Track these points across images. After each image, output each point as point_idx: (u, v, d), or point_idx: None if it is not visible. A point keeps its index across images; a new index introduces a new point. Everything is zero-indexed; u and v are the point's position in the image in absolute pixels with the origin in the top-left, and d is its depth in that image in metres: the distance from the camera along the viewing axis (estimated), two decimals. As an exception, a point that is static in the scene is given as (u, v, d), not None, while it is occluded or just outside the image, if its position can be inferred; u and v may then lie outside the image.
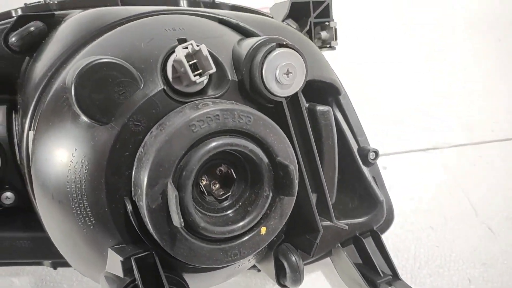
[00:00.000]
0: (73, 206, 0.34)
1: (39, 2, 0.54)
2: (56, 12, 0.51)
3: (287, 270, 0.41)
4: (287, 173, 0.34)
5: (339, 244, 0.51)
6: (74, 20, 0.47)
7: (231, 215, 0.35)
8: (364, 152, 0.53)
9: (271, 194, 0.35)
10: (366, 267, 0.50)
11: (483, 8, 0.82)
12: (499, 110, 0.73)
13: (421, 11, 0.77)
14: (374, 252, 0.50)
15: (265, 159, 0.34)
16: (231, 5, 0.57)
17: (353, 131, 0.54)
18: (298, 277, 0.40)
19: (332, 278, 0.56)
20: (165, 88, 0.34)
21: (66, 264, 0.56)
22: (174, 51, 0.35)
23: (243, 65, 0.36)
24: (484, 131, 0.69)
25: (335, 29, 0.56)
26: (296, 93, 0.37)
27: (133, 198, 0.33)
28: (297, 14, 0.56)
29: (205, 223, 0.33)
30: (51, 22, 0.50)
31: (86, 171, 0.33)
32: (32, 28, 0.48)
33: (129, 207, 0.33)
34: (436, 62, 0.76)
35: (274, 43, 0.36)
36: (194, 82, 0.35)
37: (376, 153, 0.53)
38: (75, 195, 0.34)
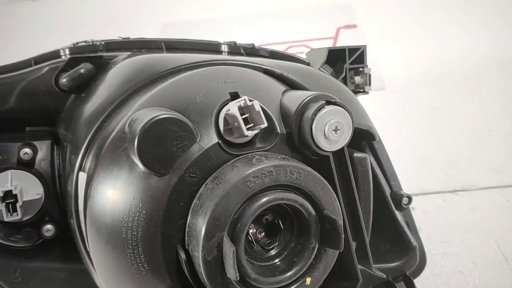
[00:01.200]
0: (127, 252, 0.35)
1: (87, 42, 0.57)
2: (104, 54, 0.54)
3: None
4: (334, 227, 0.35)
5: (371, 290, 0.51)
6: (125, 66, 0.50)
7: (278, 263, 0.36)
8: (397, 197, 0.54)
9: (317, 246, 0.36)
10: (399, 313, 0.50)
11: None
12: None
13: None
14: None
15: (313, 212, 0.36)
16: (269, 51, 0.59)
17: (386, 176, 0.55)
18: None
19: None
20: (219, 142, 0.36)
21: (99, 297, 0.58)
22: (226, 105, 0.37)
23: (292, 120, 0.38)
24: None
25: (369, 75, 0.58)
26: (342, 148, 0.39)
27: (186, 247, 0.35)
28: (333, 59, 0.58)
29: (256, 274, 0.34)
30: (99, 63, 0.53)
31: (142, 219, 0.35)
32: (82, 71, 0.51)
33: (183, 255, 0.34)
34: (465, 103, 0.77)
35: (324, 101, 0.37)
36: (246, 136, 0.37)
37: (410, 198, 0.54)
38: (130, 241, 0.35)
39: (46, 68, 0.55)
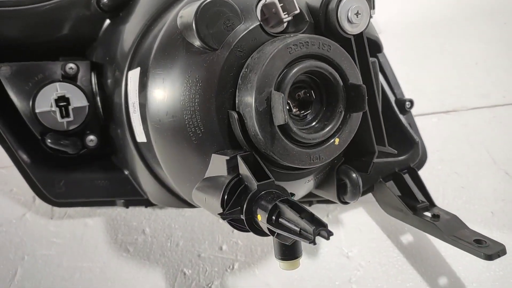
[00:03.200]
0: (185, 118, 0.42)
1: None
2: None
3: (349, 185, 0.49)
4: (358, 92, 0.42)
5: (381, 179, 0.59)
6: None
7: (313, 124, 0.43)
8: (401, 102, 0.62)
9: (343, 111, 0.43)
10: (405, 198, 0.58)
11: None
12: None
13: None
14: (412, 185, 0.58)
15: (340, 81, 0.43)
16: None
17: (391, 85, 0.63)
18: (358, 190, 0.48)
19: (373, 213, 0.64)
20: (261, 23, 0.42)
21: (137, 203, 0.64)
22: (262, -2, 0.44)
23: (320, 9, 0.44)
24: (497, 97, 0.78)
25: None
26: (361, 33, 0.46)
27: (237, 109, 0.41)
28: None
29: (296, 128, 0.41)
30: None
31: (200, 88, 0.41)
32: (122, -10, 0.56)
33: (236, 115, 0.41)
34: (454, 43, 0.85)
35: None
36: (282, 21, 0.43)
37: (412, 102, 0.61)
38: (188, 108, 0.42)
39: (83, -8, 0.60)
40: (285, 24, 0.45)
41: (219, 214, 0.39)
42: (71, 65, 0.58)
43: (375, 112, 0.49)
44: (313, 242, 0.31)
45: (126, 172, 0.62)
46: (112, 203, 0.64)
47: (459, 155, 0.70)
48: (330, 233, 0.32)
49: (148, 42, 0.48)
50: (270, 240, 0.60)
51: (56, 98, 0.53)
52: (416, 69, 0.71)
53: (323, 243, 0.60)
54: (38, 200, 0.69)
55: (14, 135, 0.60)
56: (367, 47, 0.47)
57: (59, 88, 0.56)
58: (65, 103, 0.54)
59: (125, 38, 0.54)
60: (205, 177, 0.43)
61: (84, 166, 0.63)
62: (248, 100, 0.39)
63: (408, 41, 0.89)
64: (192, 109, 0.42)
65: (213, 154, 0.42)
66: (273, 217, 0.35)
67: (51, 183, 0.61)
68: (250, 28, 0.42)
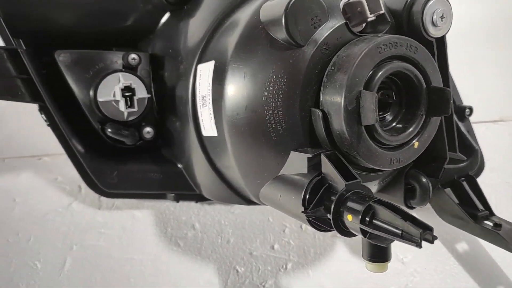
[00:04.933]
0: (267, 113, 0.41)
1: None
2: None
3: (418, 190, 0.48)
4: (442, 96, 0.42)
5: (439, 186, 0.58)
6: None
7: (392, 126, 0.43)
8: (460, 109, 0.61)
9: (424, 115, 0.43)
10: (464, 206, 0.57)
11: None
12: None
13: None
14: (471, 193, 0.57)
15: (424, 84, 0.42)
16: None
17: (450, 91, 0.62)
18: (428, 195, 0.48)
19: (427, 220, 0.63)
20: (347, 22, 0.42)
21: (188, 197, 0.64)
22: (346, -4, 0.44)
23: (403, 11, 0.44)
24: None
25: None
26: (443, 36, 0.45)
27: (320, 107, 0.41)
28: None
29: (381, 130, 0.40)
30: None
31: (284, 84, 0.41)
32: (189, -18, 0.56)
33: (320, 113, 0.40)
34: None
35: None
36: (365, 20, 0.43)
37: (471, 109, 0.61)
38: (270, 104, 0.41)
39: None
40: (364, 24, 0.45)
41: (302, 212, 0.38)
42: (134, 55, 0.57)
43: (449, 117, 0.48)
44: (419, 245, 0.31)
45: (180, 166, 0.61)
46: (162, 196, 0.64)
47: (509, 165, 0.69)
48: (434, 237, 0.31)
49: (223, 36, 0.48)
50: (322, 242, 0.60)
51: (122, 88, 0.53)
52: (464, 77, 0.71)
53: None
54: (85, 190, 0.69)
55: (68, 123, 0.60)
56: (447, 51, 0.46)
57: (122, 78, 0.56)
58: (130, 94, 0.54)
59: (193, 32, 0.54)
60: (280, 174, 0.43)
61: (136, 158, 0.62)
62: (336, 99, 0.39)
63: (456, 49, 0.88)
64: (275, 105, 0.41)
65: (292, 152, 0.42)
66: (367, 218, 0.35)
67: (104, 174, 0.61)
68: (336, 26, 0.42)
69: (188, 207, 0.65)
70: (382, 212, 0.34)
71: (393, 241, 0.34)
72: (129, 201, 0.66)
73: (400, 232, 0.32)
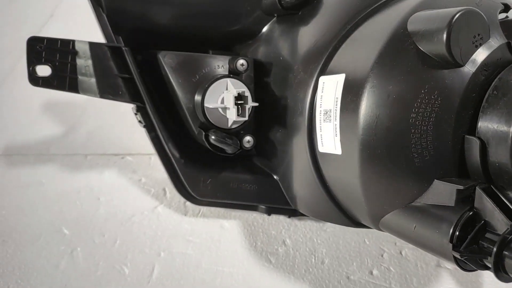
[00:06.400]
0: (413, 137, 0.38)
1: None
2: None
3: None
4: None
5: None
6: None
7: None
8: None
9: None
10: None
11: None
12: None
13: None
14: None
15: None
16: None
17: None
18: None
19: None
20: (509, 41, 0.38)
21: (281, 211, 0.61)
22: (501, 12, 0.40)
23: None
24: None
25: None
26: None
27: (477, 135, 0.37)
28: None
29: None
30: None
31: (437, 106, 0.37)
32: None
33: (477, 142, 0.36)
34: None
35: None
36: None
37: None
38: (418, 127, 0.38)
39: (260, -12, 0.58)
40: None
41: (455, 250, 0.35)
42: (242, 61, 0.55)
43: None
44: None
45: (276, 177, 0.59)
46: (254, 208, 0.61)
47: None
48: None
49: (355, 47, 0.45)
50: (426, 271, 0.56)
51: (236, 95, 0.50)
52: None
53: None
54: (170, 194, 0.67)
55: (165, 125, 0.58)
56: None
57: (230, 85, 0.53)
58: (241, 102, 0.51)
59: (312, 40, 0.51)
60: (416, 203, 0.39)
61: (232, 166, 0.60)
62: (502, 127, 0.35)
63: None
64: (424, 129, 0.38)
65: (436, 180, 0.38)
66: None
67: (197, 180, 0.59)
68: (497, 46, 0.38)
69: (277, 220, 0.63)
70: None
71: None
72: (215, 209, 0.64)
73: None
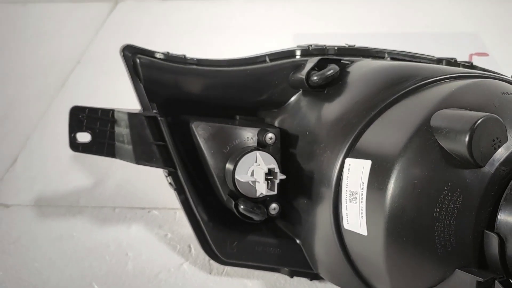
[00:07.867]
0: (437, 229, 0.41)
1: (320, 46, 0.64)
2: (343, 58, 0.61)
3: None
4: None
5: None
6: (375, 71, 0.56)
7: None
8: None
9: None
10: None
11: None
12: None
13: None
14: None
15: None
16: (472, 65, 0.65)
17: None
18: None
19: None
20: (529, 145, 0.42)
21: (303, 274, 0.64)
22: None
23: None
24: None
25: None
26: None
27: (496, 230, 0.40)
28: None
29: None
30: (340, 65, 0.59)
31: (459, 203, 0.40)
32: (331, 71, 0.57)
33: (496, 237, 0.40)
34: None
35: None
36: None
37: None
38: (442, 221, 0.41)
39: (287, 65, 0.62)
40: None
41: None
42: (271, 135, 0.59)
43: None
44: None
45: (298, 241, 0.62)
46: (276, 270, 0.64)
47: None
48: None
49: (380, 134, 0.48)
50: None
51: (266, 171, 0.54)
52: None
53: None
54: (195, 251, 0.70)
55: (195, 190, 0.62)
56: None
57: (259, 158, 0.57)
58: (271, 177, 0.55)
59: (337, 120, 0.54)
60: (438, 288, 0.42)
61: (257, 230, 0.63)
62: (515, 229, 0.38)
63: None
64: (447, 223, 0.41)
65: (458, 270, 0.41)
66: None
67: (224, 243, 0.62)
68: (514, 148, 0.41)
69: (299, 282, 0.65)
70: None
71: None
72: (239, 269, 0.67)
73: None
